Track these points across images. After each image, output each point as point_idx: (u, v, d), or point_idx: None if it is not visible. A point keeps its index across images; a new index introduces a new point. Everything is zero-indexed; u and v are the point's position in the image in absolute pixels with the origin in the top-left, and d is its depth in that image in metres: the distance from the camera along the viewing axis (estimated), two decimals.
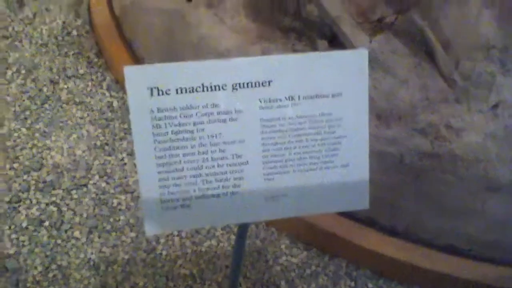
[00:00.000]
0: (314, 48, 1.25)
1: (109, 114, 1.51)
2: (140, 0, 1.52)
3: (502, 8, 1.24)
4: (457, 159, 1.12)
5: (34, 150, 1.38)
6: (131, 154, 1.40)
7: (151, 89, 0.65)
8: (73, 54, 1.66)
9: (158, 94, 0.66)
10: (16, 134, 1.42)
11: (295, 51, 1.26)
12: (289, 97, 0.69)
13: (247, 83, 0.67)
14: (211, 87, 0.67)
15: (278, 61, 0.68)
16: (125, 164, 1.39)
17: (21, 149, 1.38)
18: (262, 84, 0.68)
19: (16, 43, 1.69)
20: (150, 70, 0.65)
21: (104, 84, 1.59)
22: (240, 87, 0.67)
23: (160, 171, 0.69)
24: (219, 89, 0.67)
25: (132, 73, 0.65)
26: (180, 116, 0.67)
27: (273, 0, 1.33)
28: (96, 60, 1.65)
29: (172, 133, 0.67)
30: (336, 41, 1.27)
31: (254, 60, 0.68)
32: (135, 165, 1.38)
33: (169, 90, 0.66)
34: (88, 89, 1.58)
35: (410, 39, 1.25)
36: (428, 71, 1.21)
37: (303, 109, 0.70)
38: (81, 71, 1.63)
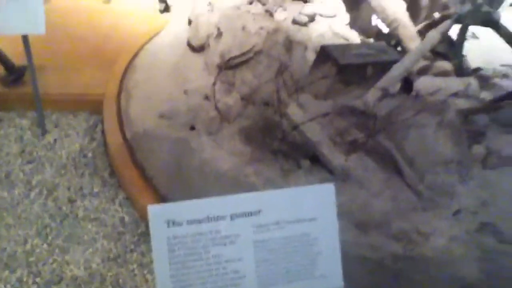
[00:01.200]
0: (299, 167, 1.48)
1: (121, 228, 1.69)
2: (151, 128, 1.78)
3: (453, 129, 1.50)
4: (428, 260, 1.29)
5: (54, 265, 1.53)
6: (141, 265, 1.56)
7: (168, 222, 0.85)
8: (89, 174, 1.88)
9: (174, 225, 0.85)
10: (38, 250, 1.58)
11: (282, 170, 1.48)
12: (275, 222, 0.89)
13: (242, 213, 0.87)
14: (214, 218, 0.86)
15: (266, 195, 0.89)
16: (135, 275, 1.54)
17: (43, 264, 1.53)
18: (253, 213, 0.88)
19: (39, 166, 1.91)
20: (167, 208, 0.86)
21: (117, 201, 1.78)
22: (236, 216, 0.87)
23: (174, 286, 0.86)
24: (220, 219, 0.86)
25: (154, 210, 0.85)
26: (191, 242, 0.86)
27: (263, 128, 1.59)
28: (109, 179, 1.87)
29: (184, 255, 0.85)
30: (317, 160, 1.50)
31: (246, 196, 0.88)
32: (145, 276, 1.54)
33: (182, 222, 0.85)
34: (102, 206, 1.77)
35: (380, 157, 1.48)
36: (398, 184, 1.43)
37: (287, 231, 0.89)
38: (96, 190, 1.83)
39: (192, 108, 2.03)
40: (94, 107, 2.16)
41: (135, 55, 2.46)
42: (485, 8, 1.94)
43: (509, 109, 1.66)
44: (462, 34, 2.09)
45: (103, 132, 2.05)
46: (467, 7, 1.97)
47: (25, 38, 1.85)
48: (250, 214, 0.88)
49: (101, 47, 2.55)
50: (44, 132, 2.05)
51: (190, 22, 2.65)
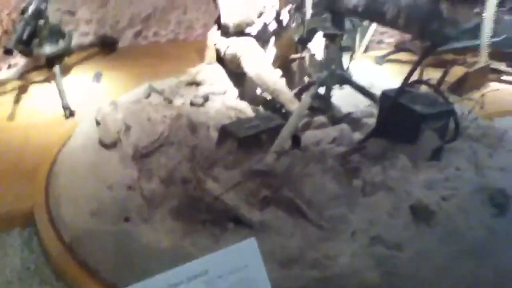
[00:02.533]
0: (225, 230, 1.79)
1: None
2: (87, 228, 1.98)
3: (334, 171, 1.92)
4: (339, 276, 1.64)
5: None
6: None
7: None
8: (37, 284, 2.00)
9: None
10: None
11: (213, 235, 1.78)
12: (219, 276, 1.19)
13: (193, 276, 1.16)
14: (174, 284, 1.14)
15: (207, 258, 1.19)
16: None
17: None
18: (202, 274, 1.17)
19: None
20: None
21: None
22: (190, 280, 1.15)
23: None
24: (179, 285, 1.14)
25: None
26: None
27: (188, 204, 1.89)
28: (57, 283, 2.00)
29: None
30: (239, 221, 1.83)
31: (194, 262, 1.18)
32: None
33: None
34: None
35: (286, 206, 1.85)
36: (304, 224, 1.80)
37: (229, 282, 1.19)
38: None
39: (119, 201, 2.25)
40: (25, 221, 2.28)
41: (53, 162, 2.63)
42: (338, 71, 2.49)
43: (373, 146, 2.15)
44: (328, 92, 2.62)
45: (39, 242, 2.19)
46: (325, 73, 2.50)
47: None
48: (200, 275, 1.17)
49: (17, 162, 2.68)
50: None
51: (98, 122, 2.90)
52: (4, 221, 2.29)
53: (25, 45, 3.15)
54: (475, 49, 3.98)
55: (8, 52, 2.91)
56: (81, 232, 2.03)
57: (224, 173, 2.08)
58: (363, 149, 2.15)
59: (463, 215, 1.87)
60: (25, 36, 3.06)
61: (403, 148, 2.13)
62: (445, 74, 2.50)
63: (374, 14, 2.08)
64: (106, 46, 4.40)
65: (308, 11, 2.43)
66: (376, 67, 4.25)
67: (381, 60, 4.30)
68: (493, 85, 3.88)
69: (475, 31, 3.93)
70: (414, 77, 2.22)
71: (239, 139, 2.18)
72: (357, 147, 2.17)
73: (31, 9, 3.20)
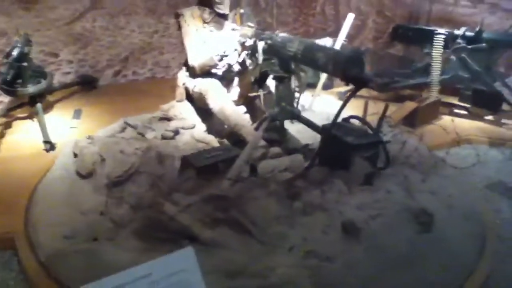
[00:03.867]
0: (181, 246, 2.05)
1: None
2: (60, 248, 2.22)
3: (278, 195, 2.21)
4: (277, 286, 1.91)
5: None
6: None
7: None
8: None
9: None
10: None
11: (170, 251, 2.04)
12: (162, 278, 1.45)
13: (140, 277, 1.42)
14: (125, 283, 1.40)
15: (152, 264, 1.45)
16: None
17: None
18: (147, 276, 1.43)
19: None
20: (95, 285, 1.37)
21: None
22: (137, 279, 1.42)
23: None
24: (127, 284, 1.40)
25: None
26: None
27: (150, 225, 2.15)
28: None
29: None
30: (194, 239, 2.09)
31: (140, 266, 1.44)
32: None
33: None
34: None
35: (235, 225, 2.13)
36: (249, 240, 2.07)
37: (170, 283, 1.45)
38: None
39: (91, 225, 2.50)
40: (5, 244, 2.51)
41: (33, 192, 2.89)
42: (288, 108, 2.82)
43: (315, 173, 2.45)
44: (281, 126, 2.94)
45: (18, 262, 2.41)
46: (276, 109, 2.83)
47: None
48: (144, 277, 1.43)
49: None
50: None
51: (75, 155, 3.17)
52: None
53: (10, 86, 3.45)
54: (428, 86, 4.37)
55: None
56: (55, 252, 2.27)
57: (184, 198, 2.35)
58: (305, 175, 2.45)
59: (389, 231, 2.16)
60: (9, 78, 3.37)
61: (340, 174, 2.44)
62: (385, 109, 2.83)
63: (309, 61, 2.43)
64: (86, 85, 4.71)
65: (260, 56, 2.78)
66: (338, 102, 4.63)
67: (343, 95, 4.68)
68: (445, 117, 4.24)
69: (427, 69, 4.36)
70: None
71: (198, 168, 2.48)
72: (300, 174, 2.47)
73: (15, 53, 3.52)
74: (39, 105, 3.78)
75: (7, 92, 3.59)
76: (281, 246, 2.05)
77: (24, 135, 3.72)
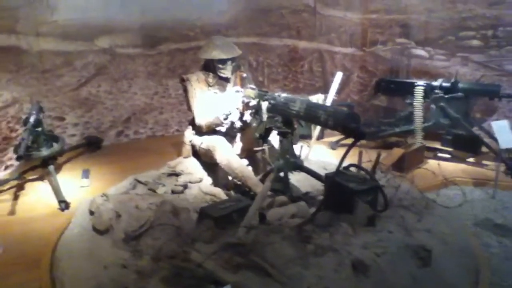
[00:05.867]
0: None
1: None
2: None
3: (291, 239, 2.43)
4: None
5: None
6: None
7: None
8: None
9: None
10: None
11: None
12: None
13: None
14: None
15: None
16: None
17: None
18: None
19: None
20: None
21: None
22: None
23: None
24: None
25: None
26: None
27: (176, 274, 2.34)
28: None
29: None
30: (220, 283, 2.28)
31: None
32: None
33: None
34: None
35: (255, 268, 2.33)
36: (269, 281, 2.27)
37: None
38: None
39: (115, 278, 2.66)
40: None
41: (54, 249, 3.04)
42: (292, 159, 3.11)
43: (322, 217, 2.70)
44: (285, 177, 3.21)
45: None
46: (281, 161, 3.12)
47: None
48: None
49: (20, 252, 3.06)
50: None
51: (91, 212, 3.36)
52: None
53: (28, 151, 3.68)
54: (412, 133, 4.73)
55: (20, 158, 3.42)
56: None
57: (204, 247, 2.56)
58: (313, 220, 2.70)
59: (393, 267, 2.40)
60: (29, 143, 3.60)
61: (345, 217, 2.69)
62: (378, 157, 3.13)
63: (311, 118, 2.75)
64: (92, 145, 4.95)
65: (264, 114, 3.10)
66: (330, 151, 4.95)
67: (335, 145, 5.01)
68: (430, 161, 4.56)
69: (410, 118, 4.74)
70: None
71: (215, 218, 2.70)
72: (309, 219, 2.72)
73: (32, 119, 3.77)
74: (51, 167, 3.99)
75: (20, 157, 3.80)
76: (299, 286, 2.25)
77: (37, 196, 3.90)
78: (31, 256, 2.98)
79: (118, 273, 2.69)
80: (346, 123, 2.41)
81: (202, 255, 2.36)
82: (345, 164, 3.04)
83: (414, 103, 4.63)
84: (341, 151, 4.88)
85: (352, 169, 3.02)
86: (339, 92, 4.68)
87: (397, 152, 4.44)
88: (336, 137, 5.13)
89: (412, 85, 4.66)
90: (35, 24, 4.52)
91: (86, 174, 4.28)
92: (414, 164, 4.46)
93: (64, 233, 3.24)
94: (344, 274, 2.33)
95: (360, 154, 3.52)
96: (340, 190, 2.70)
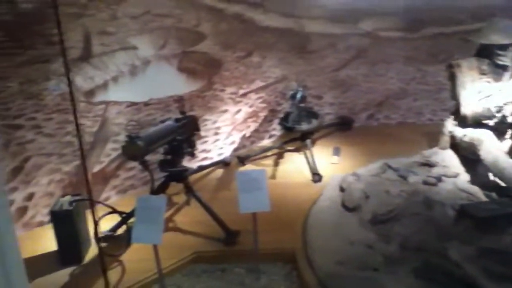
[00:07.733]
0: None
1: None
2: (336, 272, 2.50)
3: None
4: None
5: None
6: None
7: None
8: None
9: None
10: None
11: None
12: None
13: None
14: None
15: None
16: None
17: None
18: None
19: None
20: None
21: None
22: None
23: None
24: None
25: None
26: None
27: (429, 268, 2.24)
28: None
29: None
30: None
31: None
32: None
33: None
34: None
35: None
36: None
37: None
38: None
39: (360, 256, 2.73)
40: (286, 258, 2.94)
41: (306, 217, 3.31)
42: None
43: None
44: None
45: (297, 276, 2.80)
46: None
47: None
48: None
49: (278, 213, 3.41)
50: (258, 277, 2.83)
51: (342, 189, 3.50)
52: (271, 256, 2.99)
53: (288, 122, 4.10)
54: None
55: (288, 129, 3.83)
56: (333, 273, 2.56)
57: (459, 247, 2.37)
58: None
59: None
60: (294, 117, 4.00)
61: None
62: None
63: None
64: (344, 125, 5.14)
65: None
66: None
67: None
68: None
69: None
70: None
71: (478, 219, 2.46)
72: None
73: (298, 96, 4.14)
74: (308, 141, 4.33)
75: (286, 128, 4.22)
76: None
77: (294, 166, 4.29)
78: (285, 219, 3.31)
79: (364, 252, 2.75)
80: None
81: (461, 255, 2.19)
82: None
83: None
84: None
85: None
86: None
87: None
88: None
89: None
90: (308, 8, 4.89)
91: (336, 151, 4.48)
92: None
93: (316, 203, 3.48)
94: None
95: None
96: None
